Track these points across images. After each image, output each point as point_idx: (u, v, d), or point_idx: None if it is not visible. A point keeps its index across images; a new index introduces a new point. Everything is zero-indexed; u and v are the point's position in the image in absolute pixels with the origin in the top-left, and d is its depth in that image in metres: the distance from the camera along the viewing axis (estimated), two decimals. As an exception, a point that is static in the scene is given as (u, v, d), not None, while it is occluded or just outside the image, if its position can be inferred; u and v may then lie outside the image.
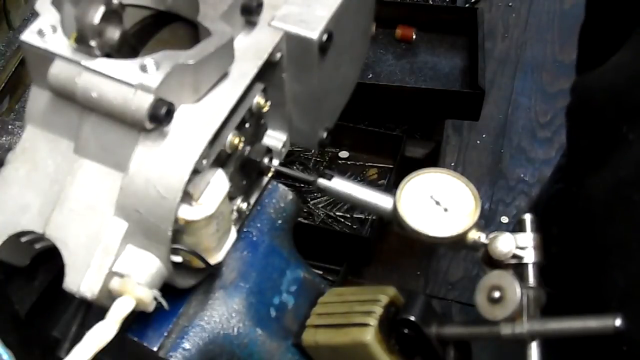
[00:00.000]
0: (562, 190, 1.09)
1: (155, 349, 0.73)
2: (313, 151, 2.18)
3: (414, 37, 2.26)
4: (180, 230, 0.63)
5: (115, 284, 0.62)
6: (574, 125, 0.89)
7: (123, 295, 0.62)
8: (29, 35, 0.61)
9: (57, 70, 0.60)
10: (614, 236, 0.77)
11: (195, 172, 0.61)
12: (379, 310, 0.76)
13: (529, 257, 0.70)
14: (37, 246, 0.67)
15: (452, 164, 2.47)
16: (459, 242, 0.70)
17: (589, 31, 0.98)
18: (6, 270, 0.77)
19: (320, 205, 2.11)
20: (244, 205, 0.74)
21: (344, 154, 2.22)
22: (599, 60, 0.82)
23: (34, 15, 0.62)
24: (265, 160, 0.73)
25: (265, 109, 0.70)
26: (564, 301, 0.71)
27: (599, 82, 0.81)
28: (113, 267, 0.62)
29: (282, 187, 0.85)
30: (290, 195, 0.85)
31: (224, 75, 0.65)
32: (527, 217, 0.71)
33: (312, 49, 0.68)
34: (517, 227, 0.71)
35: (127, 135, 0.60)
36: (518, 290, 0.67)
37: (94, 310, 0.65)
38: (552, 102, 2.59)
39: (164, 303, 0.64)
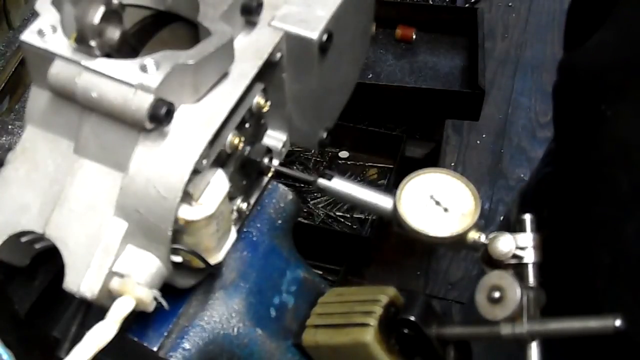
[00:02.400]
0: (551, 173, 1.09)
1: (155, 349, 0.73)
2: (313, 151, 2.18)
3: (414, 37, 2.26)
4: (180, 230, 0.63)
5: (115, 284, 0.62)
6: (559, 105, 0.90)
7: (123, 295, 0.62)
8: (29, 35, 0.61)
9: (57, 70, 0.60)
10: (599, 215, 0.77)
11: (195, 172, 0.61)
12: (379, 310, 0.76)
13: (529, 257, 0.70)
14: (37, 246, 0.67)
15: (452, 164, 2.47)
16: (459, 242, 0.70)
17: (576, 8, 0.98)
18: (6, 270, 0.77)
19: (320, 205, 2.12)
20: (244, 205, 0.74)
21: (344, 154, 2.22)
22: (584, 37, 0.82)
23: (34, 15, 0.62)
24: (265, 160, 0.73)
25: (265, 109, 0.70)
26: (553, 286, 0.72)
27: (581, 61, 0.81)
28: (113, 267, 0.62)
29: (282, 187, 0.85)
30: (290, 195, 0.85)
31: (224, 75, 0.65)
32: (527, 217, 0.71)
33: (312, 49, 0.68)
34: (517, 227, 0.71)
35: (127, 135, 0.60)
36: (518, 290, 0.67)
37: (94, 310, 0.65)
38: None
39: (164, 303, 0.64)
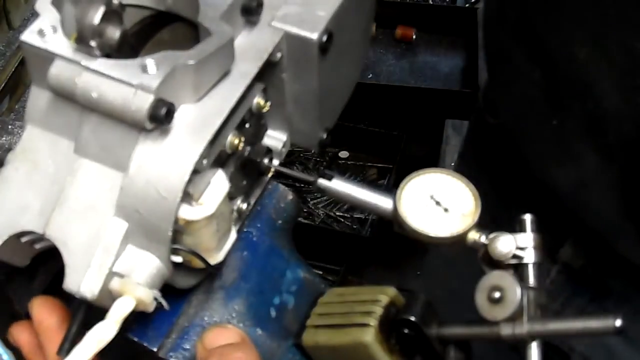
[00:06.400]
0: None
1: (155, 349, 0.73)
2: (313, 151, 2.19)
3: (414, 37, 2.26)
4: (180, 230, 0.63)
5: (115, 284, 0.62)
6: None
7: (123, 295, 0.62)
8: (29, 35, 0.61)
9: (57, 70, 0.60)
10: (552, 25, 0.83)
11: (196, 172, 0.61)
12: (379, 310, 0.76)
13: (529, 257, 0.70)
14: (37, 246, 0.67)
15: (452, 164, 2.47)
16: (459, 242, 0.71)
17: None
18: (6, 270, 0.78)
19: (320, 205, 2.12)
20: (244, 205, 0.74)
21: (344, 154, 2.23)
22: None
23: (34, 15, 0.62)
24: (265, 160, 0.73)
25: (266, 109, 0.70)
26: None
27: None
28: (113, 267, 0.62)
29: (282, 187, 0.85)
30: (290, 195, 0.85)
31: (224, 75, 0.65)
32: (527, 217, 0.71)
33: (312, 49, 0.68)
34: (517, 227, 0.71)
35: (127, 135, 0.60)
36: (518, 290, 0.67)
37: (94, 310, 0.65)
38: (552, 102, 2.59)
39: (164, 303, 0.64)
